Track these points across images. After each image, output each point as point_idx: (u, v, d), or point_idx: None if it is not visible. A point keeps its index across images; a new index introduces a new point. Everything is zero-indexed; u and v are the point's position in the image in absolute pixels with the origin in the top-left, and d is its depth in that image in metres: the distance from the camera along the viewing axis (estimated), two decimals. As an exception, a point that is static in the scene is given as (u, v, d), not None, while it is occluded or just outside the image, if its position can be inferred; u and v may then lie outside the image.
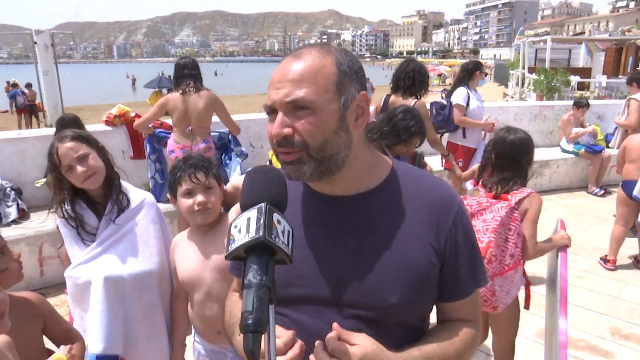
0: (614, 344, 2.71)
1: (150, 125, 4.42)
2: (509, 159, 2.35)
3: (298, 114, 0.94)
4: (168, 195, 1.90)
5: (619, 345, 3.07)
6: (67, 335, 1.65)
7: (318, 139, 0.94)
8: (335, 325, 0.92)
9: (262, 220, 0.78)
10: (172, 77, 4.42)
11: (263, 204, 0.81)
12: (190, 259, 1.82)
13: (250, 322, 0.72)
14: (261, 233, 0.77)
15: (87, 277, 1.78)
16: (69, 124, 3.71)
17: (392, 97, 3.97)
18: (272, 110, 0.97)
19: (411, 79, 3.87)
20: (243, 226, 0.79)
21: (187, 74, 4.07)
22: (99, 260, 1.80)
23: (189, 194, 1.76)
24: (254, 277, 0.75)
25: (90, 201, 1.85)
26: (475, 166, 3.60)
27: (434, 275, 1.02)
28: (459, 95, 4.69)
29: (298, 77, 0.94)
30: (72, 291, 1.85)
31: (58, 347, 1.64)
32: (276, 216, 0.81)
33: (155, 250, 1.90)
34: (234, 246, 0.79)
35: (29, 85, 14.63)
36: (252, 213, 0.80)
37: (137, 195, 1.95)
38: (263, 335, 0.73)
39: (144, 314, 1.86)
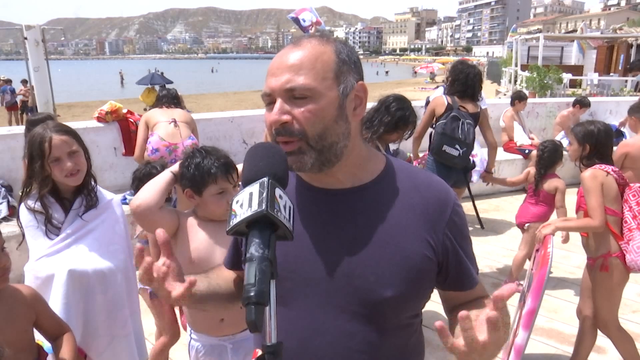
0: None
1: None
2: (608, 145, 2.52)
3: (297, 102, 0.92)
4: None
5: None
6: (59, 329, 1.65)
7: (317, 128, 0.92)
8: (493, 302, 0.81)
9: (264, 194, 0.78)
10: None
11: (265, 179, 0.80)
12: (201, 239, 1.78)
13: (252, 294, 0.71)
14: (264, 207, 0.76)
15: (50, 270, 1.77)
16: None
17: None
18: (271, 100, 0.95)
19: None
20: (245, 201, 0.79)
21: (168, 102, 4.18)
22: (63, 254, 1.80)
23: (221, 193, 1.72)
24: (256, 250, 0.75)
25: (58, 195, 1.85)
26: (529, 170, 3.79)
27: (430, 269, 1.01)
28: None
29: (297, 63, 0.92)
30: (31, 285, 1.78)
31: (49, 340, 1.64)
32: (278, 191, 0.80)
33: (120, 248, 1.93)
34: (235, 221, 0.78)
35: (24, 82, 14.44)
36: (255, 187, 0.80)
37: (105, 195, 1.99)
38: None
39: (108, 310, 1.86)
